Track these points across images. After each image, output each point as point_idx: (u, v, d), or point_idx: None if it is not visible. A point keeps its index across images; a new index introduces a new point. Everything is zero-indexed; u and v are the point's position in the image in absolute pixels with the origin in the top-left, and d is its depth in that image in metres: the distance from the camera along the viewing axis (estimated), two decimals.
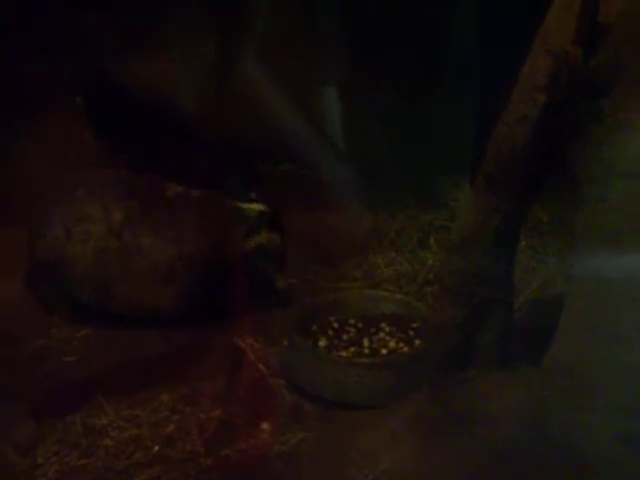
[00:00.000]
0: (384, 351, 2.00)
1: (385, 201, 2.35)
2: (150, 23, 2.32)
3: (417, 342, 2.01)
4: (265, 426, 1.84)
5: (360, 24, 2.33)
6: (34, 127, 2.27)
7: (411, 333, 2.03)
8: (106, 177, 2.13)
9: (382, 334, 2.04)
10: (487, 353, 1.84)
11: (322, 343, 2.00)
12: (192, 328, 2.07)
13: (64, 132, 2.24)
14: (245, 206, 2.14)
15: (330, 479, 1.73)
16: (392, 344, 2.01)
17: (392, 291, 2.16)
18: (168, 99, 2.33)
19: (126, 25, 2.30)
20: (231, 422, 1.84)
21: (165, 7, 2.32)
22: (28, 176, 2.18)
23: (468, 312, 1.82)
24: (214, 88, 2.36)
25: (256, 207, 2.14)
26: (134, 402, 1.85)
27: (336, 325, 2.05)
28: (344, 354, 1.98)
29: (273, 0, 2.33)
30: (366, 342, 2.01)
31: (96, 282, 2.09)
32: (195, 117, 2.31)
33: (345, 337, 2.03)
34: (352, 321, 2.06)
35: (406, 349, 2.00)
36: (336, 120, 2.33)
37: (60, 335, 2.06)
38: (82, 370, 1.94)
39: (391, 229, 2.34)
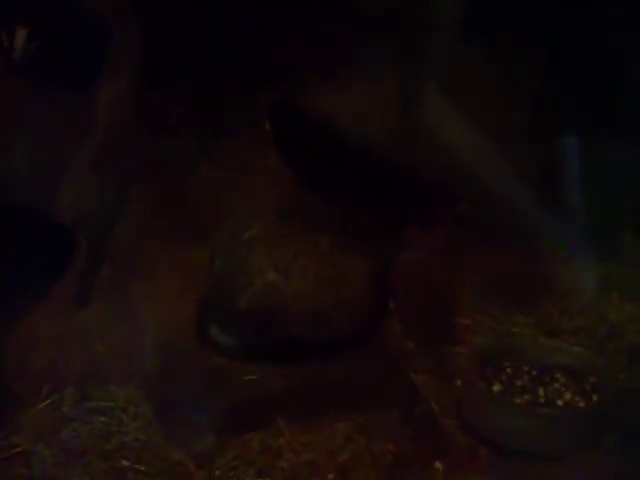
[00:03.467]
0: (560, 402, 1.96)
1: (563, 247, 2.31)
2: (340, 54, 2.34)
3: (594, 397, 1.97)
4: (438, 466, 1.82)
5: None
6: (223, 153, 2.31)
7: (587, 387, 1.99)
8: (301, 206, 2.16)
9: (557, 385, 2.00)
10: None
11: (496, 387, 1.98)
12: (367, 356, 2.08)
13: (253, 159, 2.27)
14: None
15: None
16: (568, 396, 1.98)
17: (569, 342, 2.12)
18: (355, 129, 2.35)
19: (317, 55, 2.33)
20: (404, 457, 1.84)
21: (356, 39, 2.34)
22: (216, 204, 2.20)
23: None
24: (402, 120, 2.36)
25: None
26: (310, 427, 1.87)
27: (509, 370, 2.03)
28: (519, 401, 1.95)
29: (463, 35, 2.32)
30: (541, 391, 1.98)
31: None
32: (381, 149, 2.32)
33: (519, 383, 2.00)
34: (526, 368, 2.04)
35: (582, 403, 1.96)
36: (526, 163, 2.31)
37: None
38: (262, 390, 1.97)
39: (569, 278, 2.30)
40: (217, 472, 1.76)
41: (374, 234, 2.24)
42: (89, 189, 2.04)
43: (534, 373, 2.04)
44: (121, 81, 2.04)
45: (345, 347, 2.07)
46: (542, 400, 1.97)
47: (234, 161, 2.29)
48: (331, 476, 1.77)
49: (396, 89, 2.38)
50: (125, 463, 1.77)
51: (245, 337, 2.04)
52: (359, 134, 2.31)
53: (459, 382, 2.00)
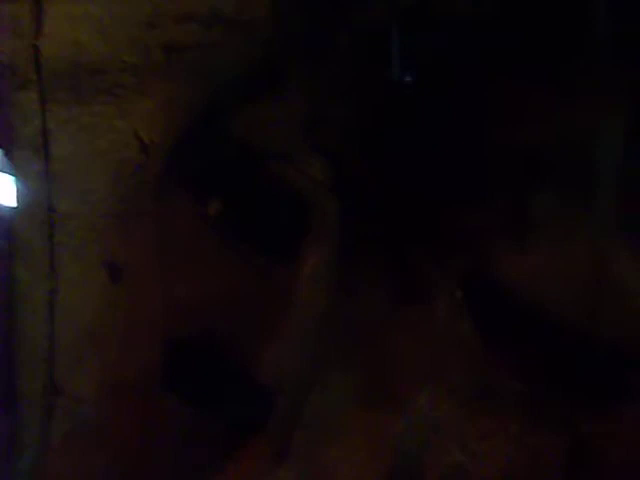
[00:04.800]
0: None
1: None
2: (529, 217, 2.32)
3: None
4: None
5: None
6: (416, 321, 2.32)
7: None
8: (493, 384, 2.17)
9: None
10: None
11: None
12: None
13: (446, 330, 2.29)
14: None
15: None
16: None
17: None
18: (548, 296, 2.29)
19: (506, 220, 2.33)
20: None
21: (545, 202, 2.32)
22: (410, 375, 2.22)
23: None
24: (593, 282, 2.28)
25: None
26: None
27: None
28: None
29: None
30: None
31: None
32: (575, 316, 2.25)
33: None
34: None
35: None
36: None
37: None
38: None
39: None
40: None
41: (565, 409, 2.19)
42: (291, 353, 2.15)
43: None
44: (322, 254, 2.17)
45: None
46: None
47: (427, 331, 2.32)
48: None
49: (587, 248, 2.34)
50: None
51: None
52: (552, 300, 2.27)
53: None
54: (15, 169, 2.17)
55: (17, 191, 2.16)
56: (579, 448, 2.15)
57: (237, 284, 2.21)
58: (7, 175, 2.16)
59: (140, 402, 2.07)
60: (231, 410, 2.11)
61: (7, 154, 2.17)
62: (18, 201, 2.17)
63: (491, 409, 2.12)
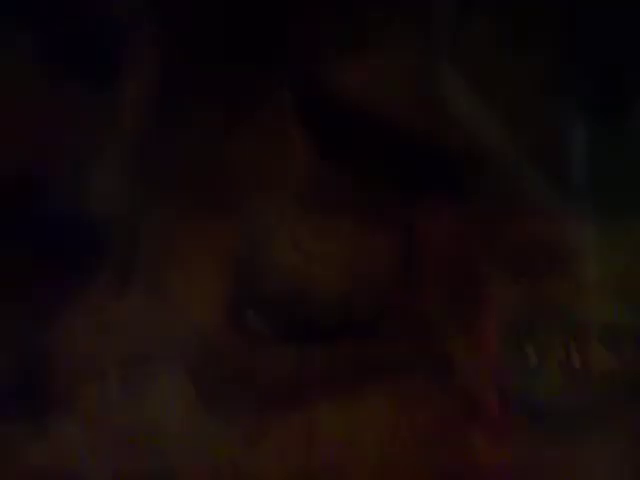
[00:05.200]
0: (598, 367, 1.98)
1: (594, 211, 2.31)
2: (356, 25, 2.34)
3: (633, 359, 1.97)
4: (476, 436, 1.85)
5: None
6: (249, 127, 2.31)
7: (625, 349, 1.99)
8: (322, 185, 2.17)
9: (593, 347, 2.01)
10: None
11: (532, 354, 1.99)
12: (398, 330, 2.11)
13: (280, 135, 2.27)
14: None
15: None
16: (605, 361, 1.98)
17: (604, 304, 2.12)
18: (380, 103, 2.35)
19: (333, 27, 2.33)
20: (439, 428, 1.86)
21: (371, 10, 2.34)
22: (241, 185, 2.21)
23: None
24: (422, 89, 2.35)
25: None
26: (347, 404, 1.90)
27: (544, 335, 2.04)
28: (553, 365, 1.97)
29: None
30: (577, 355, 1.99)
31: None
32: (401, 118, 2.32)
33: (553, 348, 2.01)
34: (561, 332, 2.04)
35: (619, 366, 1.97)
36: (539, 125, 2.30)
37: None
38: (299, 369, 2.00)
39: (602, 242, 2.29)
40: (260, 451, 1.81)
41: (396, 206, 2.25)
42: (118, 184, 2.09)
43: (570, 340, 2.05)
44: (143, 79, 2.07)
45: (374, 326, 2.10)
46: (577, 364, 1.99)
47: (261, 137, 2.29)
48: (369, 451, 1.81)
49: (413, 59, 2.38)
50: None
51: (273, 320, 2.07)
52: (377, 104, 2.31)
53: (492, 350, 2.02)
54: None
55: None
56: (410, 245, 2.22)
57: (50, 117, 2.10)
58: None
59: None
60: (65, 246, 2.04)
61: None
62: None
63: (324, 209, 2.14)
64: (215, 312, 2.08)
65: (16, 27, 2.11)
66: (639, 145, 2.36)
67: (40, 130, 2.09)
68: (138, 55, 2.11)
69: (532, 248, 2.30)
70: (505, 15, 2.34)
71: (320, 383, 1.96)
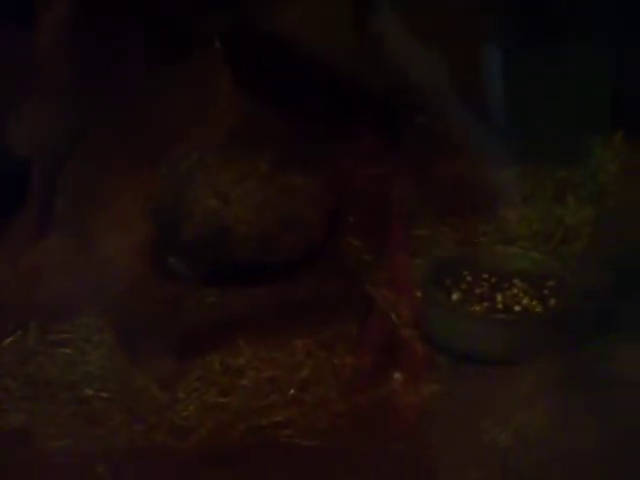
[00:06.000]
0: (517, 308, 1.99)
1: (520, 155, 2.32)
2: None
3: (552, 301, 1.99)
4: (397, 376, 1.85)
5: None
6: (173, 74, 2.27)
7: (545, 292, 2.01)
8: (244, 130, 2.15)
9: (515, 290, 2.03)
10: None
11: (455, 296, 2.00)
12: (325, 272, 2.11)
13: (204, 80, 2.24)
14: None
15: (462, 432, 1.74)
16: (525, 301, 2.00)
17: (526, 248, 2.14)
18: (308, 45, 2.32)
19: None
20: (364, 370, 1.87)
21: None
22: (168, 129, 2.17)
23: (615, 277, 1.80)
24: (353, 34, 2.34)
25: None
26: (270, 345, 1.90)
27: (469, 279, 2.05)
28: (477, 308, 1.98)
29: None
30: (499, 298, 2.00)
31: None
32: (335, 64, 2.30)
33: (478, 291, 2.02)
34: (485, 276, 2.06)
35: (540, 308, 1.99)
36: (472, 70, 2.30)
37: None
38: (221, 311, 2.00)
39: (525, 184, 2.31)
40: (180, 394, 1.80)
41: (325, 149, 2.24)
42: (40, 121, 2.04)
43: (493, 281, 2.06)
44: (60, 6, 2.02)
45: (296, 266, 2.10)
46: (500, 306, 2.00)
47: (186, 83, 2.26)
48: (292, 391, 1.81)
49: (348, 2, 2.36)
50: (89, 392, 1.81)
51: (196, 265, 2.06)
52: (310, 48, 2.29)
53: (418, 293, 2.03)
54: None
55: None
56: (334, 184, 2.22)
57: None
58: None
59: None
60: None
61: None
62: None
63: (243, 153, 2.12)
64: (138, 259, 2.06)
65: None
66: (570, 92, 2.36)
67: None
68: None
69: (458, 189, 2.31)
70: None
71: (242, 324, 1.95)
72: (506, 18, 2.28)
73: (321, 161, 2.18)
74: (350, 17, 2.34)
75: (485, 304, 2.00)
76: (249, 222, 2.08)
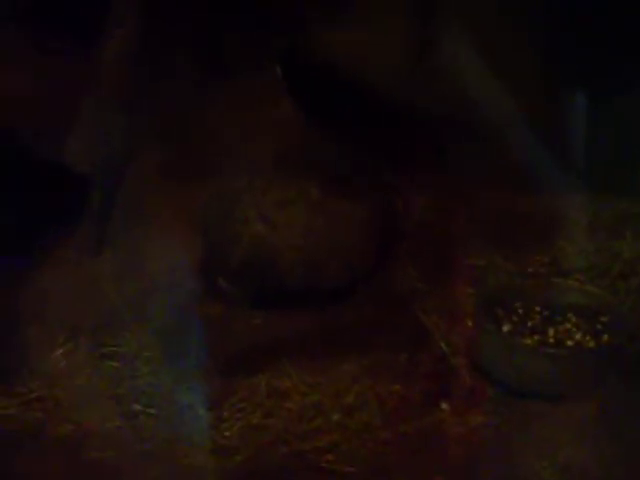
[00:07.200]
0: (569, 342, 1.96)
1: (577, 185, 2.29)
2: None
3: (605, 337, 1.95)
4: (444, 406, 1.83)
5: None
6: (229, 96, 2.29)
7: (599, 327, 1.97)
8: (294, 153, 2.14)
9: (568, 325, 1.99)
10: None
11: (506, 328, 1.97)
12: (376, 298, 2.10)
13: (259, 102, 2.25)
14: None
15: (508, 465, 1.71)
16: (578, 336, 1.97)
17: (581, 282, 2.11)
18: (366, 70, 2.32)
19: None
20: (410, 398, 1.85)
21: None
22: (219, 150, 2.19)
23: None
24: (408, 57, 2.33)
25: None
26: (316, 370, 1.89)
27: (521, 311, 2.02)
28: (528, 341, 1.95)
29: None
30: (551, 331, 1.97)
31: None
32: (394, 92, 2.30)
33: (530, 324, 1.99)
34: (537, 308, 2.03)
35: (592, 343, 1.95)
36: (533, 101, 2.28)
37: None
38: (268, 333, 2.00)
39: (584, 216, 2.28)
40: (225, 414, 1.80)
41: (379, 177, 2.24)
42: (98, 137, 2.07)
43: (546, 313, 2.03)
44: (125, 28, 2.06)
45: (343, 292, 2.09)
46: (552, 340, 1.97)
47: (240, 104, 2.27)
48: (337, 417, 1.80)
49: (402, 27, 2.36)
50: (137, 407, 1.82)
51: (243, 288, 2.06)
52: (364, 72, 2.29)
53: (469, 323, 2.01)
54: None
55: None
56: (387, 212, 2.21)
57: (40, 78, 2.10)
58: None
59: None
60: (47, 204, 2.04)
61: None
62: None
63: (293, 177, 2.12)
64: (187, 277, 2.07)
65: None
66: (629, 126, 2.33)
67: (25, 85, 2.08)
68: (121, 11, 2.09)
69: (513, 219, 2.28)
70: None
71: (289, 347, 1.95)
72: (563, 57, 2.27)
73: (373, 188, 2.18)
74: (414, 47, 2.34)
75: (536, 337, 1.97)
76: (297, 248, 2.08)
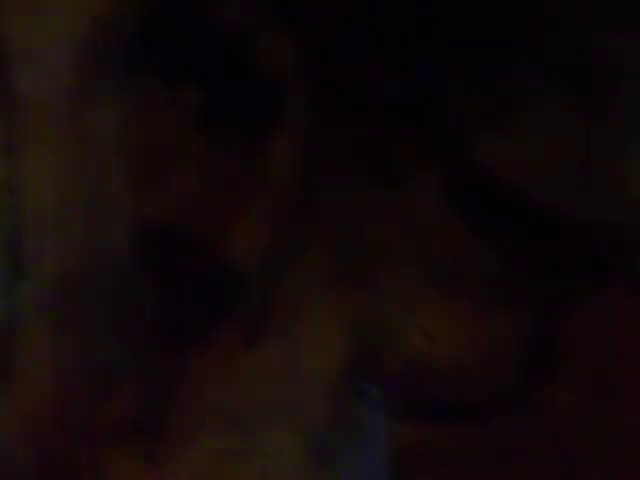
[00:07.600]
0: None
1: None
2: (515, 103, 2.30)
3: None
4: None
5: None
6: (393, 203, 2.28)
7: None
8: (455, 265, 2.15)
9: None
10: None
11: None
12: (527, 420, 2.05)
13: (421, 212, 2.25)
14: None
15: None
16: None
17: None
18: (532, 180, 2.28)
19: (492, 106, 2.30)
20: None
21: (532, 87, 2.30)
22: (381, 256, 2.19)
23: None
24: (581, 169, 2.27)
25: None
26: None
27: None
28: None
29: None
30: None
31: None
32: (558, 200, 2.24)
33: None
34: None
35: None
36: None
37: None
38: (408, 443, 1.97)
39: None
40: None
41: (540, 293, 2.20)
42: (264, 238, 2.13)
43: None
44: (295, 131, 2.13)
45: (490, 409, 2.05)
46: None
47: (406, 216, 2.29)
48: None
49: (575, 137, 2.33)
50: None
51: (391, 396, 2.05)
52: (535, 185, 2.27)
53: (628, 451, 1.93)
54: None
55: None
56: (544, 329, 2.15)
57: (211, 171, 2.17)
58: None
59: (107, 284, 2.04)
60: (204, 295, 2.09)
61: None
62: None
63: (450, 291, 2.11)
64: (336, 379, 2.08)
65: (176, 86, 2.21)
66: None
67: (194, 181, 2.16)
68: (292, 118, 2.17)
69: None
70: None
71: (430, 462, 1.92)
72: None
73: (529, 304, 2.15)
74: (577, 158, 2.31)
75: None
76: (450, 360, 2.06)
